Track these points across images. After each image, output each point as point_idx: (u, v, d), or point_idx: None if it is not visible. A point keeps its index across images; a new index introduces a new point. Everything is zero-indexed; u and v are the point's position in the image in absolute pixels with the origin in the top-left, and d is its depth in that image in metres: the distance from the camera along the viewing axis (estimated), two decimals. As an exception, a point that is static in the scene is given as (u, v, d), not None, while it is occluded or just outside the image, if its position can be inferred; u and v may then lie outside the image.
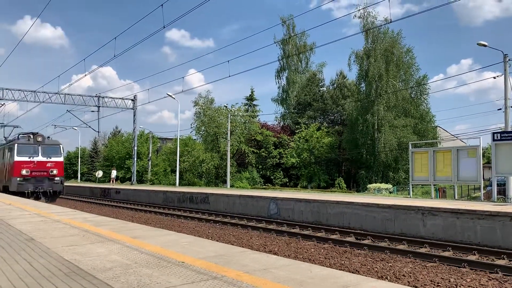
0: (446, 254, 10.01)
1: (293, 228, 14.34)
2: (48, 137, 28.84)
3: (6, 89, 38.13)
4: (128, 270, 4.61)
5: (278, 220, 16.03)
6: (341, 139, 48.01)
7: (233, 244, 10.44)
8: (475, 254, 9.82)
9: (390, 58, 42.11)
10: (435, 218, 11.94)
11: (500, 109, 25.44)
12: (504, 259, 9.37)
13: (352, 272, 8.01)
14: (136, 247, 6.02)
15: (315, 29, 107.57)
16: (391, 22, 24.89)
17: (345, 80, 56.01)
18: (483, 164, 17.86)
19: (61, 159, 27.53)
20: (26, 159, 25.49)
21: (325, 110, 54.44)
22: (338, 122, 54.85)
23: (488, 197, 23.08)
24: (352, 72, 73.11)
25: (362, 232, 12.94)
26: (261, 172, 50.34)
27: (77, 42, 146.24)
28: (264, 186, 46.75)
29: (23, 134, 27.95)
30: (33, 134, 27.14)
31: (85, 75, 30.27)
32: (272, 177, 50.67)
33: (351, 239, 12.20)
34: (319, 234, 13.01)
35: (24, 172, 25.29)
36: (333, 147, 47.97)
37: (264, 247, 10.98)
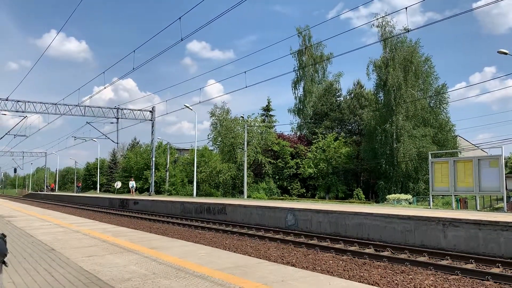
0: (469, 266, 9.74)
1: (311, 240, 14.18)
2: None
3: (28, 101, 39.14)
4: (147, 281, 4.63)
5: (296, 232, 15.89)
6: (359, 149, 47.52)
7: (250, 255, 10.39)
8: (499, 267, 9.54)
9: (408, 67, 41.76)
10: (456, 230, 11.66)
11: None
12: (529, 272, 9.09)
13: (372, 285, 7.87)
14: (155, 258, 6.04)
15: (332, 38, 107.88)
16: (409, 31, 24.80)
17: (362, 89, 55.73)
18: (505, 174, 17.44)
19: None
20: None
21: (342, 120, 54.17)
22: (355, 132, 54.44)
23: (511, 208, 22.47)
24: (369, 82, 72.79)
25: (382, 243, 12.71)
26: (278, 183, 50.12)
27: (100, 55, 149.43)
28: (281, 197, 46.51)
29: None
30: None
31: (105, 88, 30.79)
32: (289, 187, 50.40)
33: (371, 250, 11.99)
34: (337, 246, 12.83)
35: None
36: (351, 157, 47.50)
37: (282, 259, 10.88)
